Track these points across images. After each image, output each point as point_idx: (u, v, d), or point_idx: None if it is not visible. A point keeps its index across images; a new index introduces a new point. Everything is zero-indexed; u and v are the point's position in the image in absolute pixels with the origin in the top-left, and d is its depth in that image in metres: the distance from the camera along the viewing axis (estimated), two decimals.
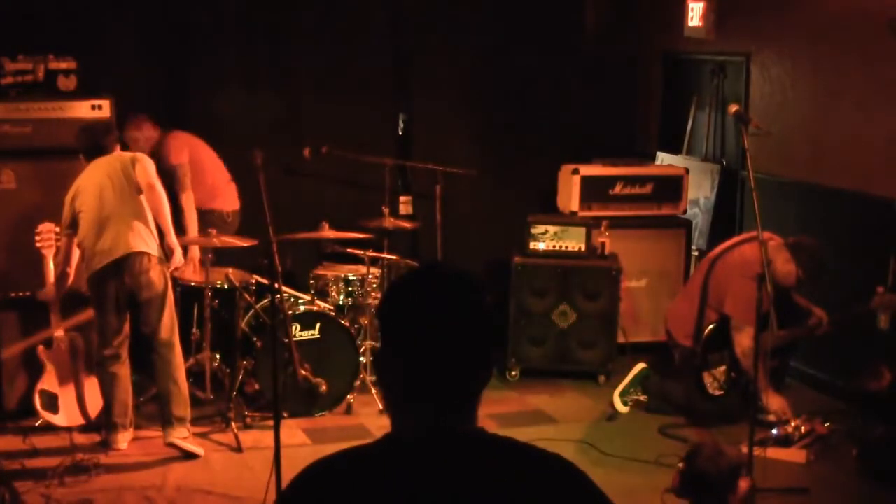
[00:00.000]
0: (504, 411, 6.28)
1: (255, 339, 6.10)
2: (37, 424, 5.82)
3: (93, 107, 6.08)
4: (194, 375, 6.19)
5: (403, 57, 7.66)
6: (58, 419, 5.78)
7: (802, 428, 5.69)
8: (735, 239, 6.32)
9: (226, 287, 6.23)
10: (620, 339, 7.01)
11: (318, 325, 6.14)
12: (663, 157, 7.92)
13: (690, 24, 7.51)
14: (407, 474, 1.70)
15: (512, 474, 1.71)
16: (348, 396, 6.24)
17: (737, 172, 7.30)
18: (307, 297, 6.36)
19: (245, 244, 5.97)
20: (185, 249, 6.06)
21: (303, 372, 5.98)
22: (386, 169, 6.98)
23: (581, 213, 7.26)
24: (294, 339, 5.96)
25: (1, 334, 5.99)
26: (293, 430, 5.88)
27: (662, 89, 8.18)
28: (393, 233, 6.66)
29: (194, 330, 6.36)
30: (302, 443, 5.80)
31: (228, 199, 6.84)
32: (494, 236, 7.44)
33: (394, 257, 6.62)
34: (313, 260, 6.83)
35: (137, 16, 6.97)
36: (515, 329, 6.89)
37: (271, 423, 4.55)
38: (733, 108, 5.38)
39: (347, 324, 6.25)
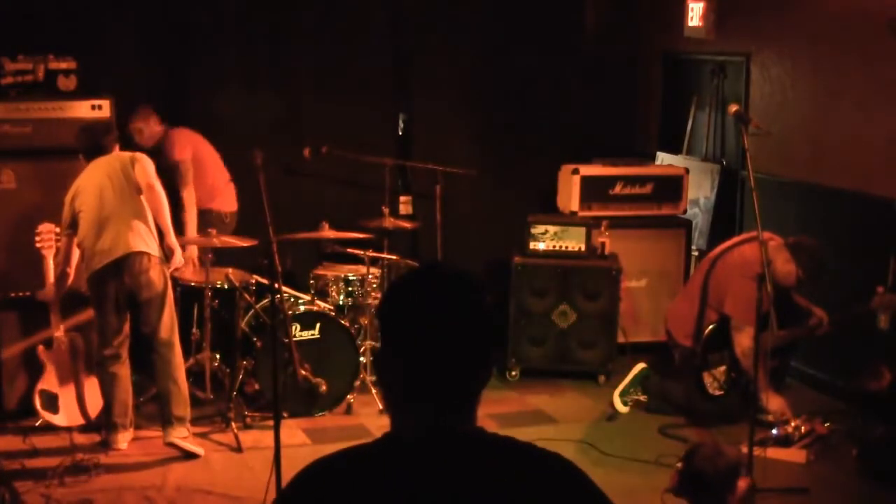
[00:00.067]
0: (504, 411, 6.28)
1: (255, 339, 6.10)
2: (37, 424, 5.82)
3: (93, 107, 6.08)
4: (194, 375, 6.19)
5: (403, 57, 7.66)
6: (58, 419, 5.78)
7: (802, 428, 5.69)
8: (735, 239, 6.32)
9: (226, 287, 6.22)
10: (620, 339, 7.01)
11: (318, 325, 6.14)
12: (663, 157, 7.92)
13: (690, 24, 7.51)
14: (407, 474, 1.70)
15: (512, 474, 1.71)
16: (348, 396, 6.24)
17: (737, 172, 7.30)
18: (307, 297, 6.36)
19: (245, 244, 5.97)
20: (184, 248, 6.06)
21: (303, 372, 5.98)
22: (386, 169, 6.98)
23: (581, 213, 7.26)
24: (294, 339, 5.95)
25: (1, 334, 5.99)
26: (293, 430, 5.88)
27: (662, 89, 8.18)
28: (393, 233, 6.65)
29: (194, 330, 6.36)
30: (302, 443, 5.80)
31: (227, 199, 6.84)
32: (494, 236, 7.44)
33: (394, 257, 6.62)
34: (313, 260, 6.83)
35: (137, 16, 6.97)
36: (515, 329, 6.88)
37: (271, 423, 4.56)
38: (733, 108, 5.38)
39: (347, 324, 6.25)
